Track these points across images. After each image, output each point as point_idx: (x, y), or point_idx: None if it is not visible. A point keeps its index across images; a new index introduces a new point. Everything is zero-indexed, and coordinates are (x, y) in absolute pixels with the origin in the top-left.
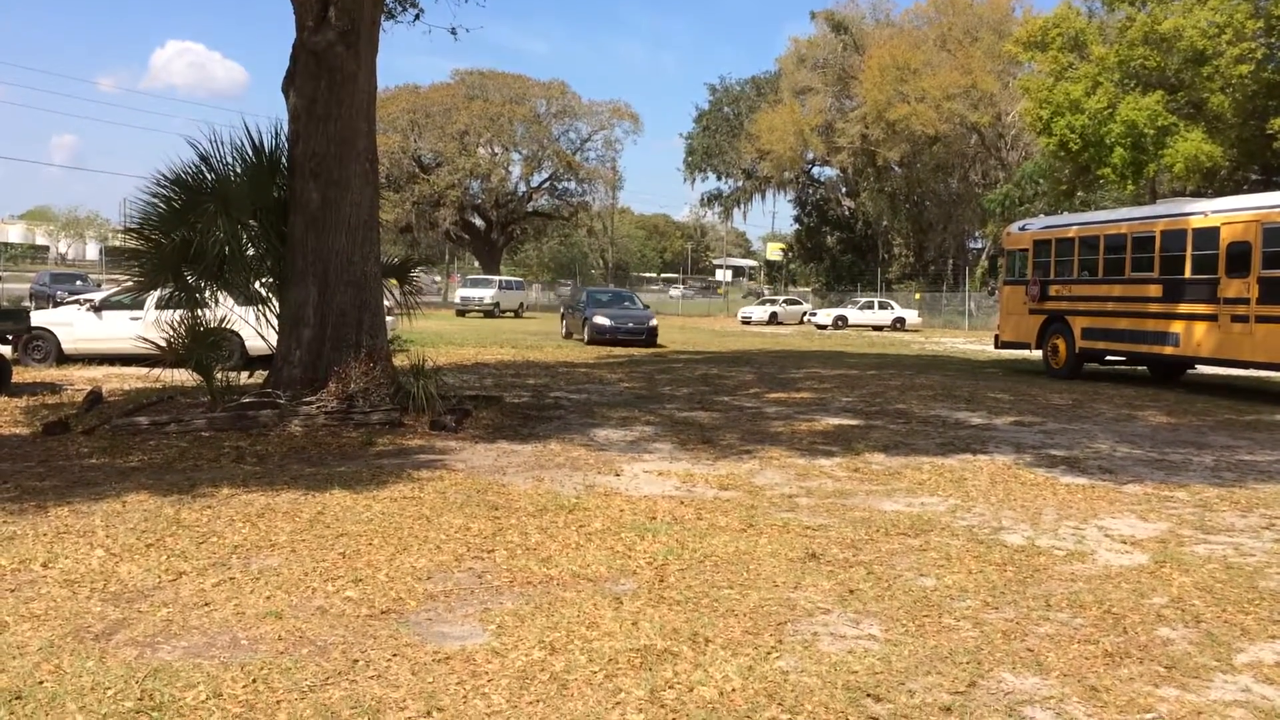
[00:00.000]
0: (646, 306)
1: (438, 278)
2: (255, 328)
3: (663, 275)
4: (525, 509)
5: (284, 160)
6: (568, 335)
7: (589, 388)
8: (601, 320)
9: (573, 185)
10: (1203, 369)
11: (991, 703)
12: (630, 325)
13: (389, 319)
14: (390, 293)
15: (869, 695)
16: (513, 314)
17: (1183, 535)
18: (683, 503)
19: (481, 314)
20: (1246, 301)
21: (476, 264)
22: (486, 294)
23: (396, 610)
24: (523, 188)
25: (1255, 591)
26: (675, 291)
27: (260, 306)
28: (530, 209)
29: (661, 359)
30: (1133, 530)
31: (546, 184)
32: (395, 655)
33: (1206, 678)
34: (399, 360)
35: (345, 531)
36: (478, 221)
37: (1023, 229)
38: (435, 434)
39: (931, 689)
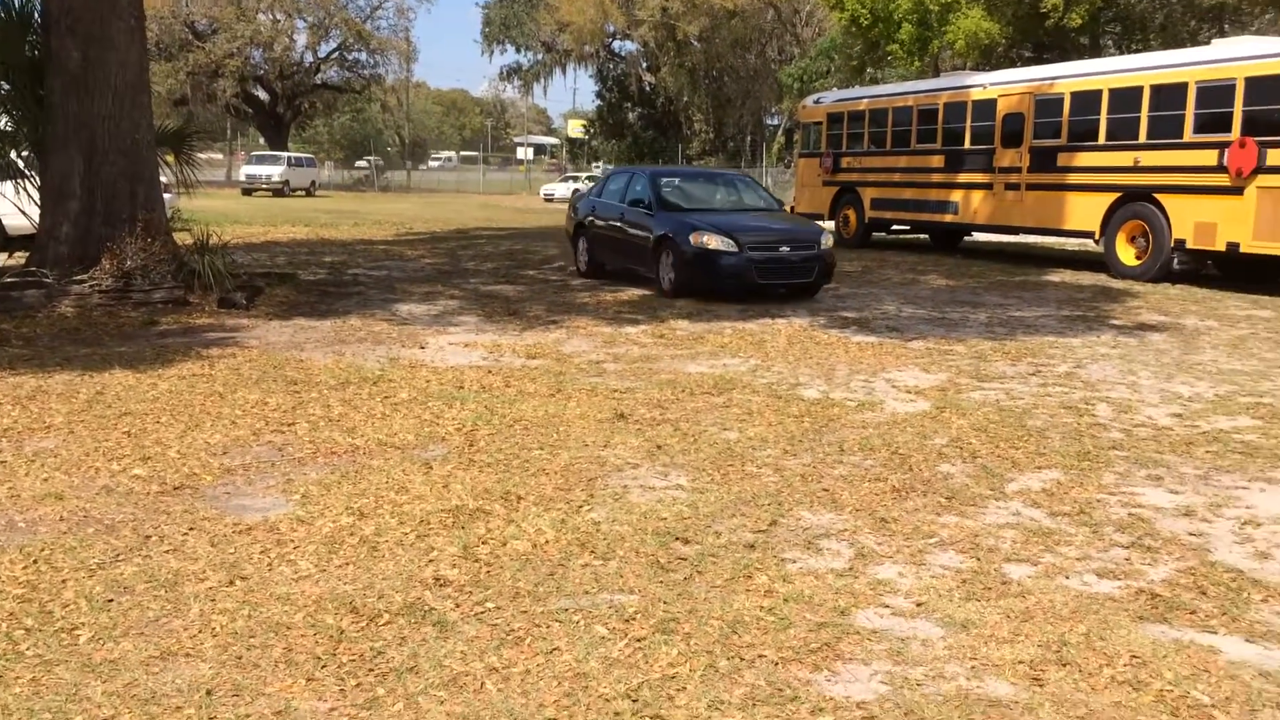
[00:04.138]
0: (791, 208)
1: (219, 155)
2: (15, 203)
3: (461, 153)
4: (326, 383)
5: (37, 15)
6: (584, 270)
7: (389, 264)
8: (715, 242)
9: (364, 56)
10: (979, 236)
11: (791, 538)
12: (783, 251)
13: (167, 196)
14: (166, 165)
15: (678, 539)
16: (304, 193)
17: (960, 384)
18: (490, 372)
19: (270, 193)
20: (1019, 170)
21: (262, 140)
22: (275, 171)
23: (190, 486)
24: (309, 58)
25: (1024, 430)
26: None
27: (19, 181)
28: (318, 81)
29: (463, 235)
30: (917, 381)
31: (335, 55)
32: (191, 529)
33: (982, 505)
34: (182, 238)
35: (129, 410)
36: (261, 94)
37: (817, 102)
38: (225, 312)
39: (736, 530)
